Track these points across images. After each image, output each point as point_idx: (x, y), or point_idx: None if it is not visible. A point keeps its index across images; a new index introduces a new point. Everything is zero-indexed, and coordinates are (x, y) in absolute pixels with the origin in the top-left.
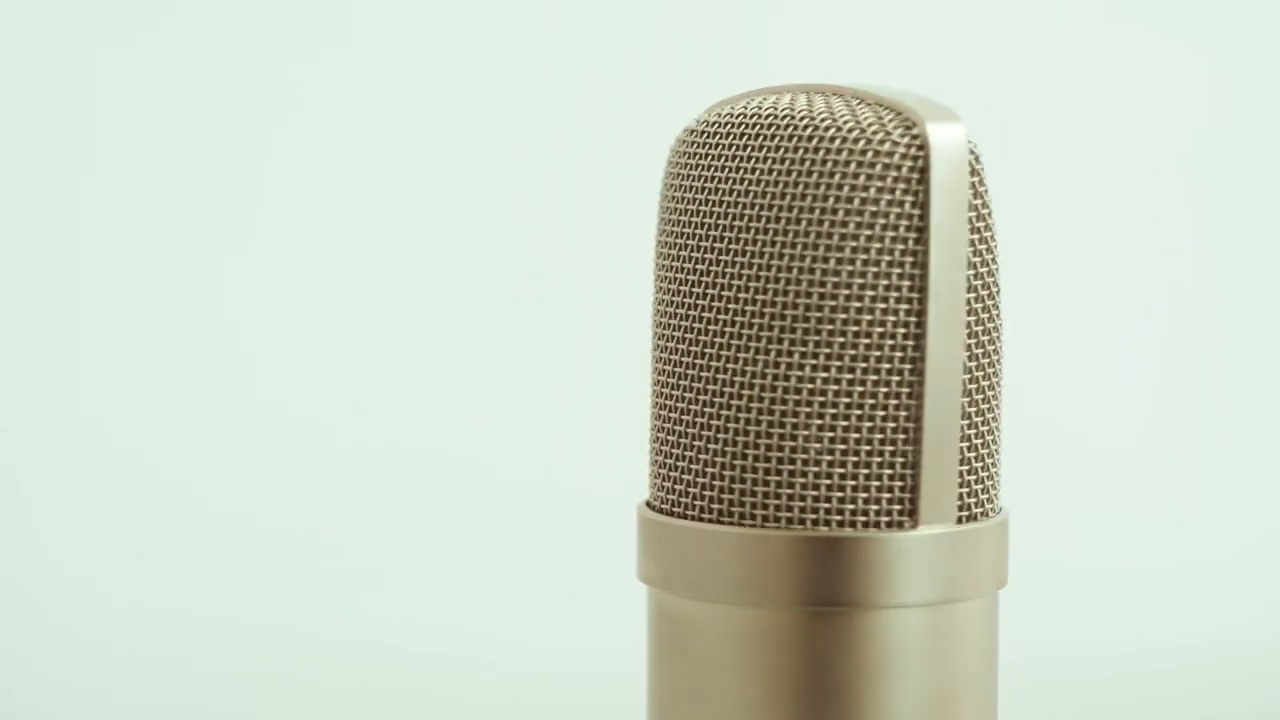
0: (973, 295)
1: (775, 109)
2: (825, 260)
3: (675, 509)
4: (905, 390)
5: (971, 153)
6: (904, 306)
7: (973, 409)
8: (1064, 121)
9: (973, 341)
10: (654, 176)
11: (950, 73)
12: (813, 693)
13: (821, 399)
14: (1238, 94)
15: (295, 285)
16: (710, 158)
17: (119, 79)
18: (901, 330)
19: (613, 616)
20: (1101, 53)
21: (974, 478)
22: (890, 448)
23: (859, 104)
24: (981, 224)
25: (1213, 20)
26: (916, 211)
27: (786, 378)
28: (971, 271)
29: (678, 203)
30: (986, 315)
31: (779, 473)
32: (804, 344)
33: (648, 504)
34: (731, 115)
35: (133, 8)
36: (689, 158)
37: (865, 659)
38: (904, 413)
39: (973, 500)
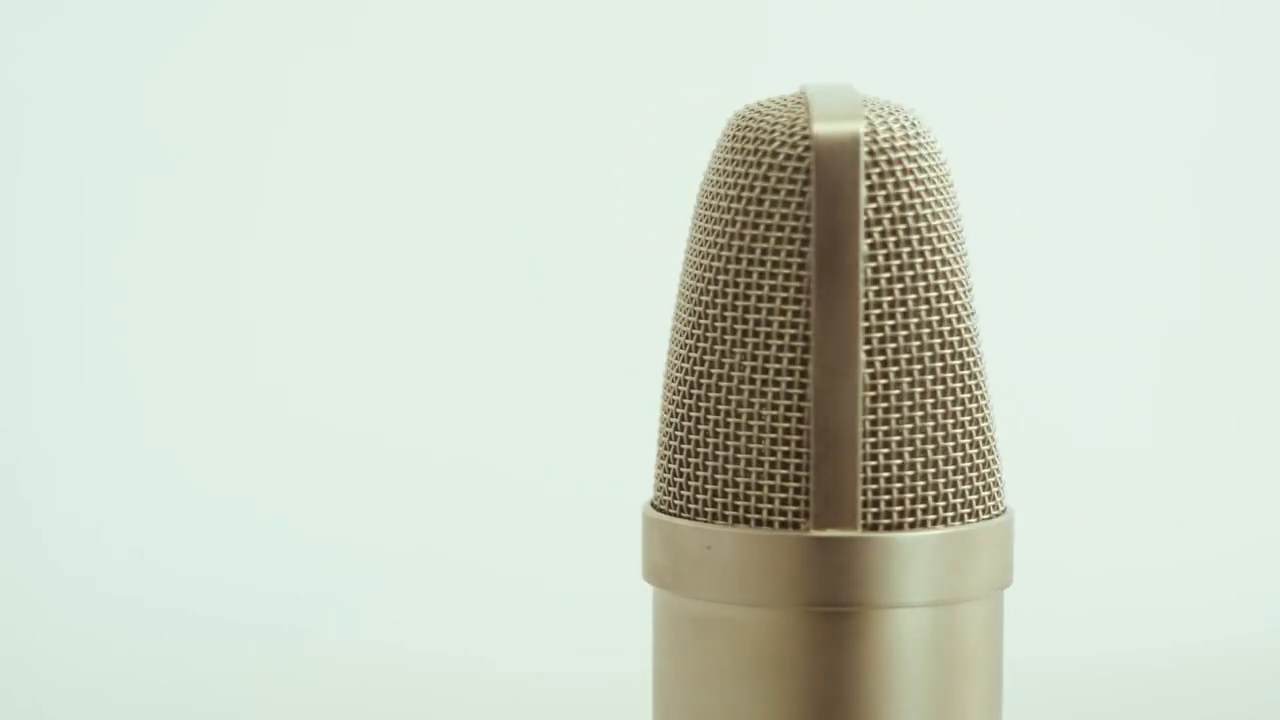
0: (891, 297)
1: (746, 113)
2: (738, 261)
3: (677, 509)
4: (798, 392)
5: (875, 151)
6: (793, 308)
7: (958, 408)
8: (1065, 122)
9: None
10: (658, 177)
11: (950, 73)
12: (817, 693)
13: (739, 400)
14: (1239, 94)
15: (296, 285)
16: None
17: (117, 78)
18: (791, 332)
19: (617, 617)
20: (1101, 53)
21: (976, 476)
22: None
23: (795, 104)
24: (901, 224)
25: (1213, 20)
26: (804, 213)
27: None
28: (888, 274)
29: (698, 208)
30: (937, 317)
31: (772, 474)
32: (722, 345)
33: (652, 504)
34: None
35: (132, 7)
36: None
37: (869, 659)
38: (796, 415)
39: (976, 499)
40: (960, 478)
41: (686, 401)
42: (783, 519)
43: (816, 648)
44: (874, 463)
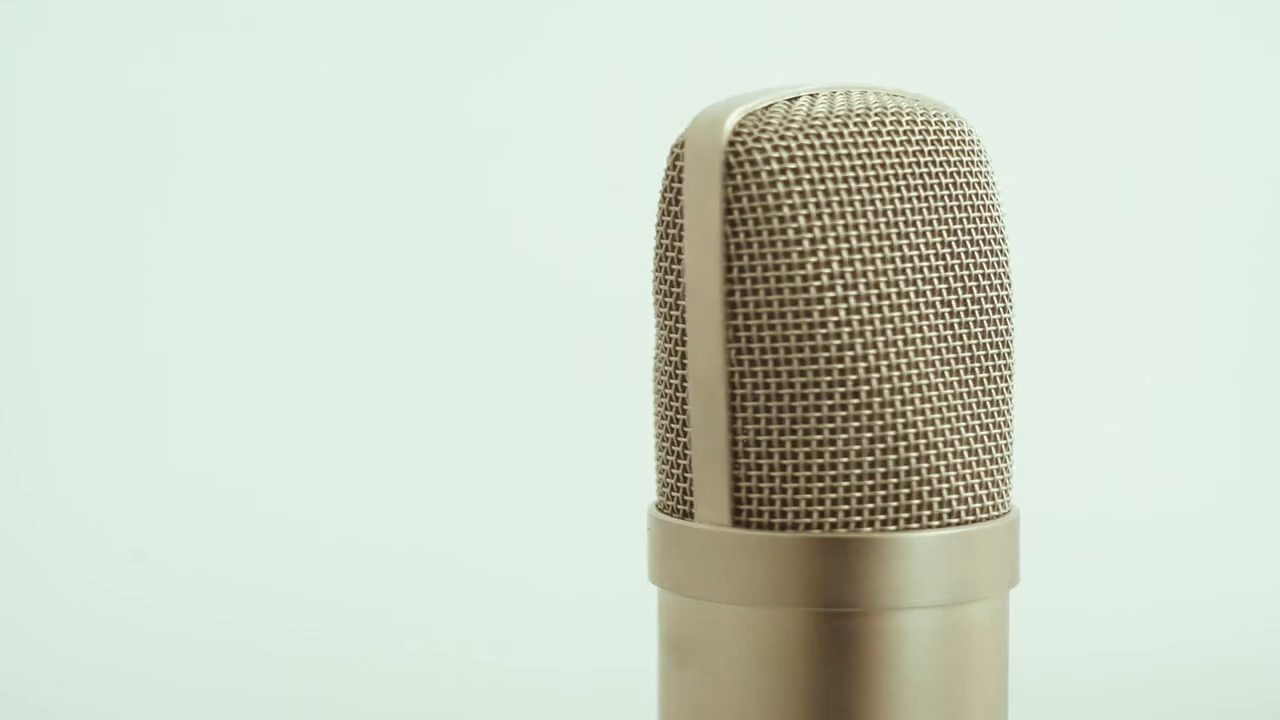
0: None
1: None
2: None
3: (684, 512)
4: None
5: (739, 149)
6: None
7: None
8: (1064, 121)
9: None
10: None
11: (951, 73)
12: (823, 694)
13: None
14: (1238, 93)
15: (303, 284)
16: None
17: (130, 74)
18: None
19: (623, 618)
20: (1099, 52)
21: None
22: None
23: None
24: (750, 219)
25: (1211, 21)
26: (676, 209)
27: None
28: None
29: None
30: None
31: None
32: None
33: (657, 506)
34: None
35: (140, 9)
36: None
37: (876, 660)
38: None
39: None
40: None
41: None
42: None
43: (823, 649)
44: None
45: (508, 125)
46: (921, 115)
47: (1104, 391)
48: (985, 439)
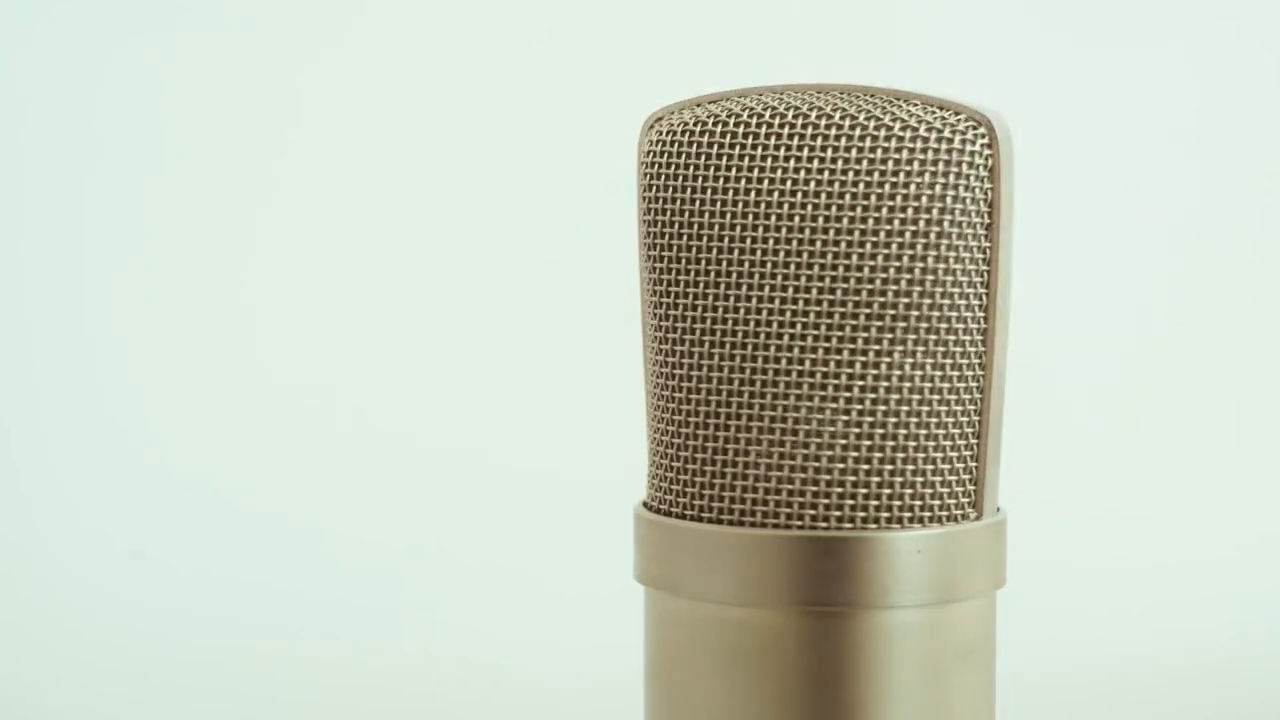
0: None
1: (797, 108)
2: (889, 257)
3: (672, 509)
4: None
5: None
6: (973, 293)
7: (973, 407)
8: (1062, 121)
9: (967, 338)
10: None
11: (952, 72)
12: (809, 693)
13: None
14: (1238, 92)
15: (298, 282)
16: (724, 158)
17: (127, 75)
18: (975, 323)
19: (611, 616)
20: (1097, 49)
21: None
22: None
23: (901, 102)
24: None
25: (1211, 20)
26: (989, 209)
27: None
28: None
29: (672, 203)
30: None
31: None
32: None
33: (645, 504)
34: (732, 115)
35: (140, 9)
36: (686, 157)
37: (862, 659)
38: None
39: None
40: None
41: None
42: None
43: (809, 647)
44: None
45: (505, 123)
46: (829, 118)
47: (1104, 392)
48: (968, 442)
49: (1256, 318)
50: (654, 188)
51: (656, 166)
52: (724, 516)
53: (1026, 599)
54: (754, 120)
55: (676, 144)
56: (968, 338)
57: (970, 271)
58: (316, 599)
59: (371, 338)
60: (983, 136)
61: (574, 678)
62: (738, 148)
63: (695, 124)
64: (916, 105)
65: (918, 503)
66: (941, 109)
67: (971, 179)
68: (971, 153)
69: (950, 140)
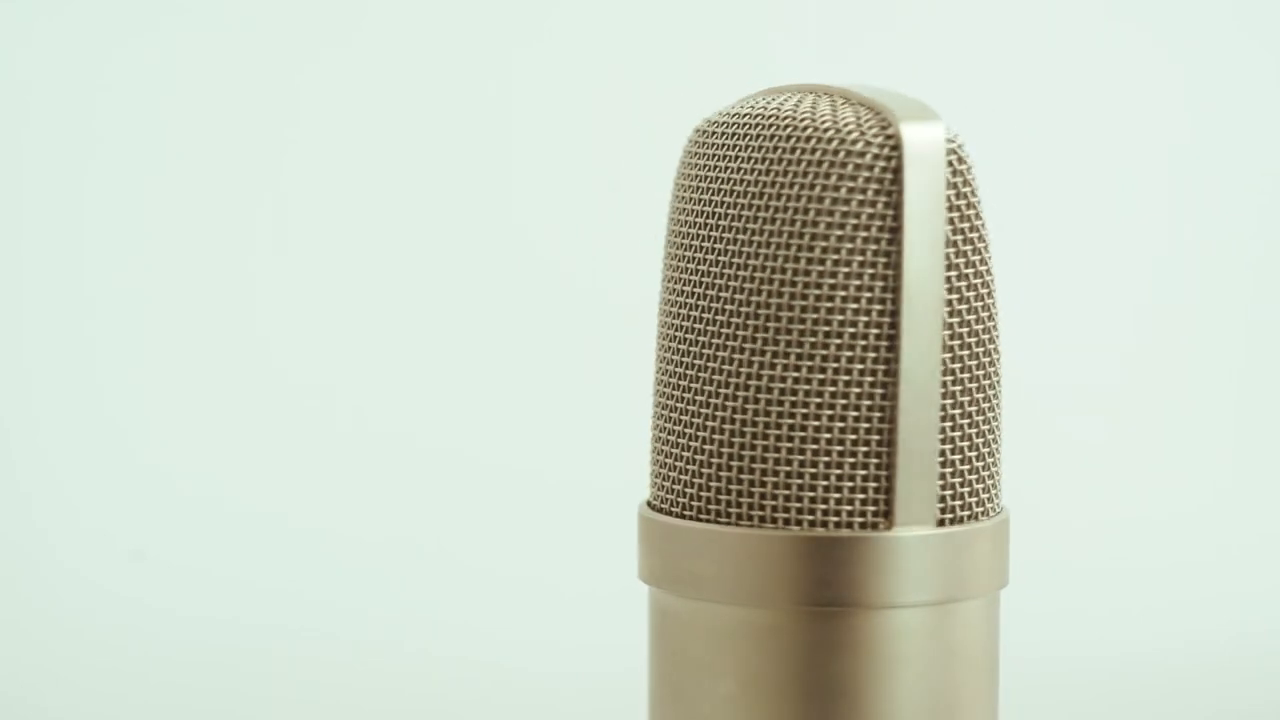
0: (956, 296)
1: (767, 110)
2: (798, 260)
3: (675, 509)
4: (880, 391)
5: (953, 153)
6: (877, 307)
7: (973, 408)
8: (1062, 120)
9: (957, 342)
10: (660, 174)
11: (950, 72)
12: (812, 693)
13: (794, 400)
14: (1237, 91)
15: (300, 282)
16: (712, 158)
17: (127, 75)
18: (875, 331)
19: (614, 616)
20: (1095, 49)
21: (975, 477)
22: (865, 449)
23: (844, 104)
24: (966, 224)
25: (1207, 17)
26: (890, 212)
27: (773, 379)
28: (954, 272)
29: (684, 203)
30: (974, 316)
31: (776, 473)
32: (777, 344)
33: (648, 504)
34: (733, 116)
35: (139, 8)
36: (695, 158)
37: (864, 659)
38: (878, 414)
39: (974, 500)
40: (959, 479)
41: (681, 402)
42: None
43: (813, 647)
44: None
45: (507, 123)
46: (765, 119)
47: (1104, 393)
48: (972, 441)
49: (1256, 318)
50: (674, 188)
51: (679, 168)
52: (726, 516)
53: (1026, 600)
54: (729, 123)
55: (688, 146)
56: (863, 342)
57: (865, 275)
58: (316, 599)
59: (372, 337)
60: (885, 136)
61: (574, 678)
62: (711, 149)
63: (702, 127)
64: (849, 105)
65: (897, 505)
66: (865, 108)
67: (861, 180)
68: (863, 153)
69: (844, 141)
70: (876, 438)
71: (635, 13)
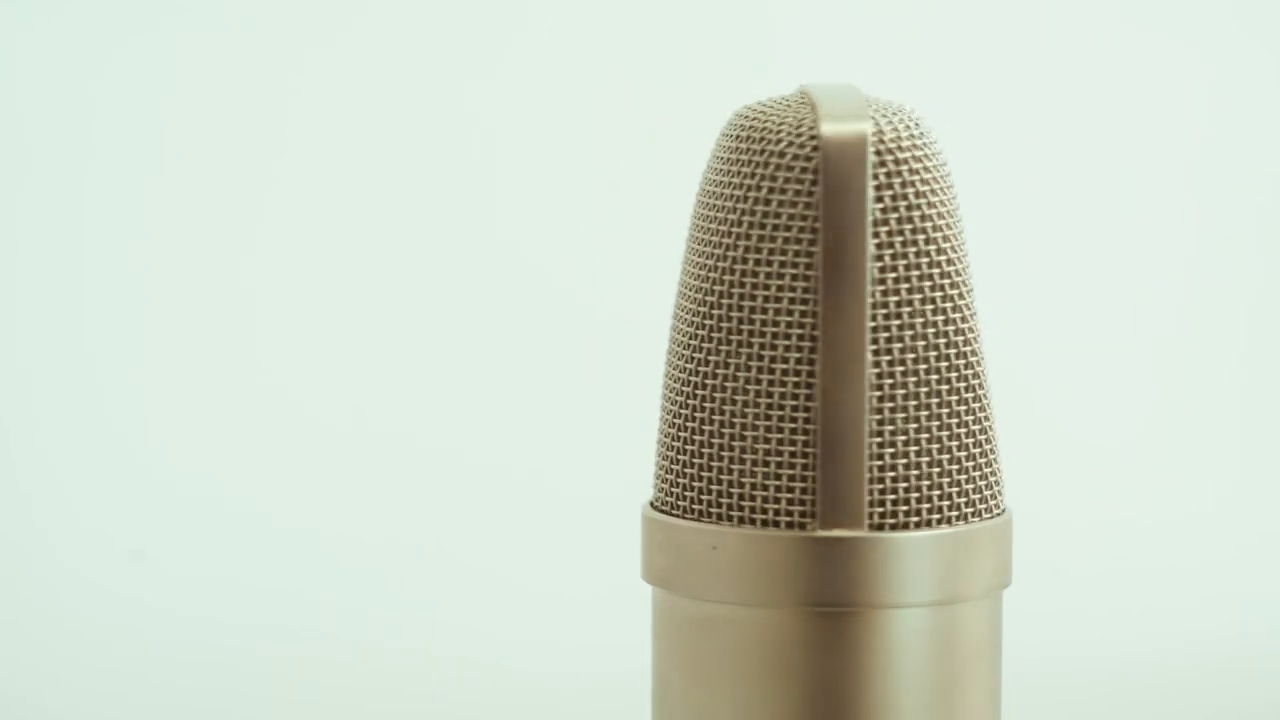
0: (900, 298)
1: (750, 110)
2: (744, 261)
3: (677, 509)
4: (805, 391)
5: (890, 151)
6: (800, 308)
7: (943, 409)
8: (1062, 120)
9: (918, 344)
10: (661, 174)
11: (951, 72)
12: (815, 693)
13: (745, 400)
14: (1237, 91)
15: (299, 283)
16: (712, 157)
17: (127, 75)
18: (798, 331)
19: (617, 617)
20: (1097, 50)
21: (965, 477)
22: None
23: (800, 103)
24: (910, 226)
25: (1210, 18)
26: (811, 213)
27: (726, 378)
28: (894, 274)
29: (697, 207)
30: (942, 318)
31: (778, 474)
32: (729, 345)
33: (651, 504)
34: (735, 113)
35: (139, 7)
36: (714, 157)
37: (868, 659)
38: (804, 414)
39: (978, 498)
40: (963, 477)
41: (690, 401)
42: (787, 519)
43: (817, 648)
44: (879, 462)
45: (506, 124)
46: (743, 124)
47: (1105, 393)
48: (968, 442)
49: (1257, 319)
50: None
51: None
52: (728, 517)
53: (1027, 600)
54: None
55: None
56: (786, 342)
57: (787, 275)
58: (317, 599)
59: (372, 337)
60: (808, 137)
61: (574, 678)
62: (716, 147)
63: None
64: (805, 105)
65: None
66: (808, 107)
67: (782, 180)
68: (783, 153)
69: (769, 142)
70: (804, 437)
71: (635, 13)
